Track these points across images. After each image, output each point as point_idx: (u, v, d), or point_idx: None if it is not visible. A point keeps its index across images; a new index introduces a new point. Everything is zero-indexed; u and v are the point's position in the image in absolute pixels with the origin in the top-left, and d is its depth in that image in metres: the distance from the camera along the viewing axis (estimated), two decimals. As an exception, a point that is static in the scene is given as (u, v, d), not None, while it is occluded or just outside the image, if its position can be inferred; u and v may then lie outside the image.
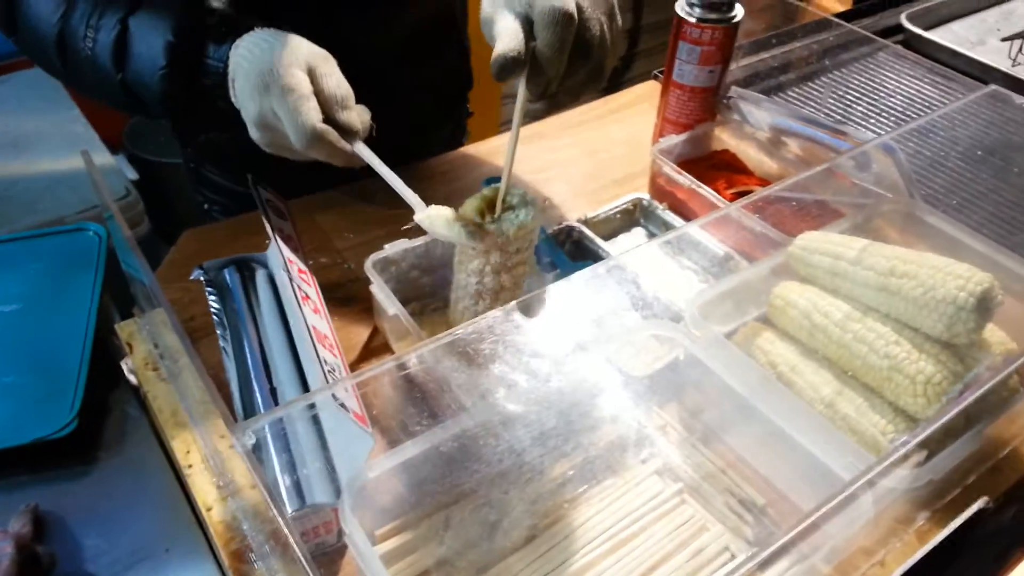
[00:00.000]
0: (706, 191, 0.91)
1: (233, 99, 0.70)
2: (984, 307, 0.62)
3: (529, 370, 0.62)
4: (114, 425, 0.74)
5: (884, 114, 1.13)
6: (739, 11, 0.93)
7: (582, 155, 1.10)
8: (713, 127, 1.01)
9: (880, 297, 0.67)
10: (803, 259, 0.75)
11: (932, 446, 0.60)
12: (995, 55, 1.32)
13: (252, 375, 0.69)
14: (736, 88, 1.00)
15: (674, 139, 0.99)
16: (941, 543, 0.63)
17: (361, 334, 0.82)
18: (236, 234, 0.93)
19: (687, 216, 0.95)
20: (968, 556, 0.66)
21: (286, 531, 0.46)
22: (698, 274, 0.88)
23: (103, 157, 1.58)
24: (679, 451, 0.70)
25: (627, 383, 0.69)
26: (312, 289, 0.71)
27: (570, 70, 0.60)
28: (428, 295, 0.82)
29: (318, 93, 0.67)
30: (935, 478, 0.64)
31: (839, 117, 1.13)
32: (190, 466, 0.69)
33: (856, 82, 1.20)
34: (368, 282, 0.76)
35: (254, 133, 0.69)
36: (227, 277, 0.77)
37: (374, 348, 0.82)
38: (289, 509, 0.59)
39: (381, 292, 0.74)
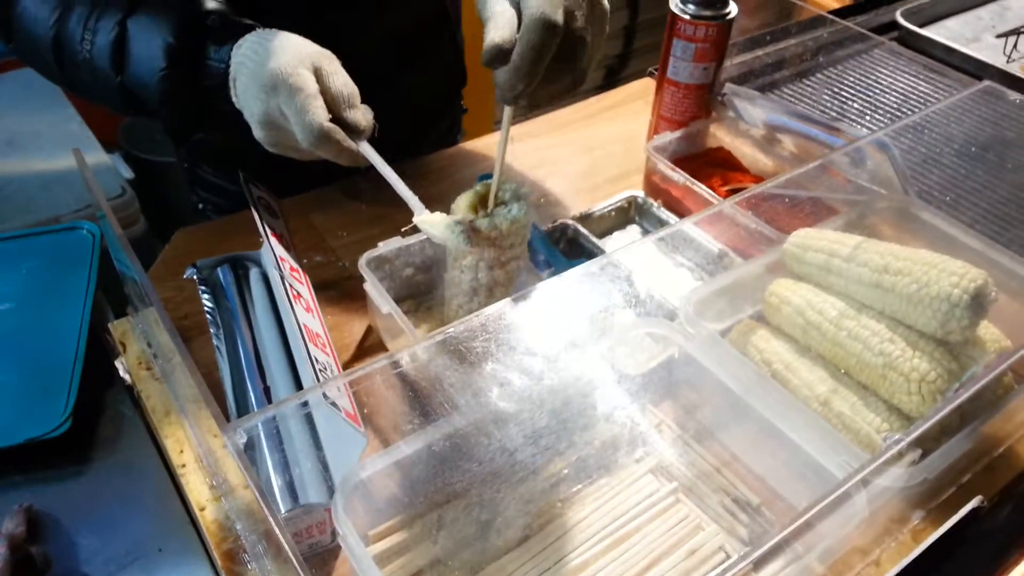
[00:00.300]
0: (701, 188, 0.91)
1: (234, 99, 0.70)
2: (978, 304, 0.62)
3: (522, 368, 0.62)
4: (108, 424, 0.74)
5: (879, 111, 1.13)
6: (733, 8, 0.93)
7: (577, 152, 1.10)
8: (708, 124, 1.01)
9: (874, 294, 0.67)
10: (797, 256, 0.75)
11: (927, 444, 0.60)
12: (990, 52, 1.32)
13: (245, 374, 0.69)
14: (731, 85, 1.00)
15: (669, 136, 0.99)
16: (936, 542, 0.63)
17: (355, 332, 0.82)
18: (229, 233, 0.93)
19: (682, 213, 0.95)
20: (963, 555, 0.66)
21: (278, 532, 0.46)
22: (692, 271, 0.88)
23: (98, 156, 1.58)
24: (673, 450, 0.70)
25: (621, 381, 0.68)
26: (304, 287, 0.70)
27: (551, 75, 0.60)
28: (422, 293, 0.82)
29: (324, 92, 0.67)
30: (930, 477, 0.64)
31: (834, 114, 1.13)
32: (183, 466, 0.69)
33: (851, 79, 1.20)
34: (362, 280, 0.76)
35: (258, 132, 0.69)
36: (220, 276, 0.77)
37: (368, 347, 0.81)
38: (282, 509, 0.59)
39: (375, 290, 0.74)
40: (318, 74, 0.67)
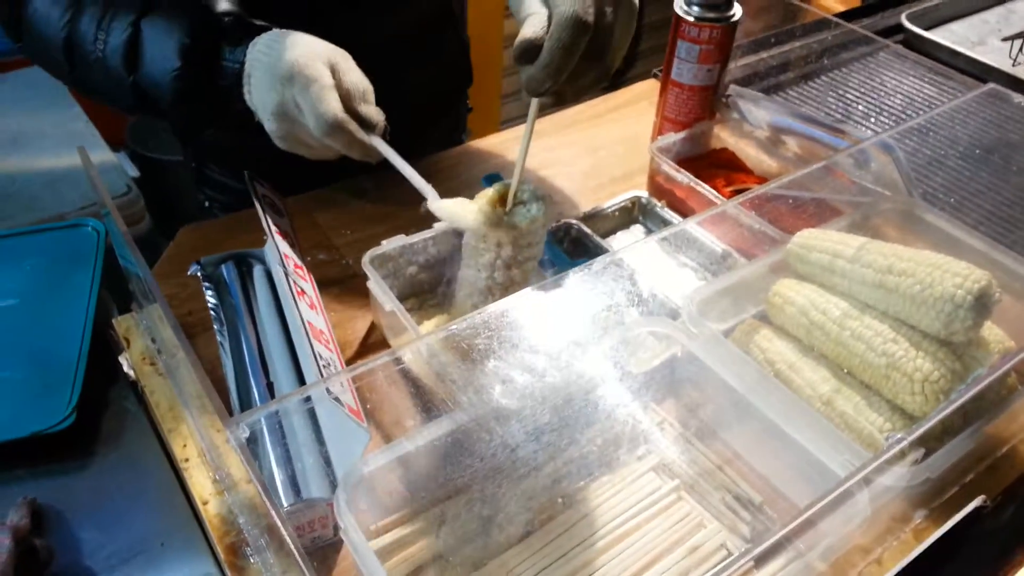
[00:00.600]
0: (705, 189, 0.91)
1: (247, 96, 0.71)
2: (982, 305, 0.62)
3: (525, 365, 0.62)
4: (112, 419, 0.74)
5: (884, 113, 1.13)
6: (737, 10, 0.93)
7: (582, 153, 1.10)
8: (712, 125, 1.01)
9: (878, 294, 0.67)
10: (801, 256, 0.75)
11: (930, 444, 0.60)
12: (996, 55, 1.32)
13: (249, 370, 0.69)
14: (735, 86, 1.00)
15: (673, 137, 0.99)
16: (938, 541, 0.63)
17: (359, 330, 0.83)
18: (234, 230, 0.93)
19: (686, 214, 0.95)
20: (965, 555, 0.66)
21: (280, 526, 0.46)
22: (696, 271, 0.88)
23: (104, 154, 1.58)
24: (676, 448, 0.70)
25: (623, 379, 0.68)
26: (308, 284, 0.71)
27: (577, 72, 0.60)
28: (425, 291, 0.82)
29: (339, 86, 0.68)
30: (932, 476, 0.64)
31: (839, 116, 1.13)
32: (187, 460, 0.69)
33: (855, 81, 1.20)
34: (366, 278, 0.76)
35: (271, 125, 0.70)
36: (224, 273, 0.77)
37: (372, 344, 0.82)
38: (284, 503, 0.59)
39: (378, 288, 0.74)
40: (333, 70, 0.69)
